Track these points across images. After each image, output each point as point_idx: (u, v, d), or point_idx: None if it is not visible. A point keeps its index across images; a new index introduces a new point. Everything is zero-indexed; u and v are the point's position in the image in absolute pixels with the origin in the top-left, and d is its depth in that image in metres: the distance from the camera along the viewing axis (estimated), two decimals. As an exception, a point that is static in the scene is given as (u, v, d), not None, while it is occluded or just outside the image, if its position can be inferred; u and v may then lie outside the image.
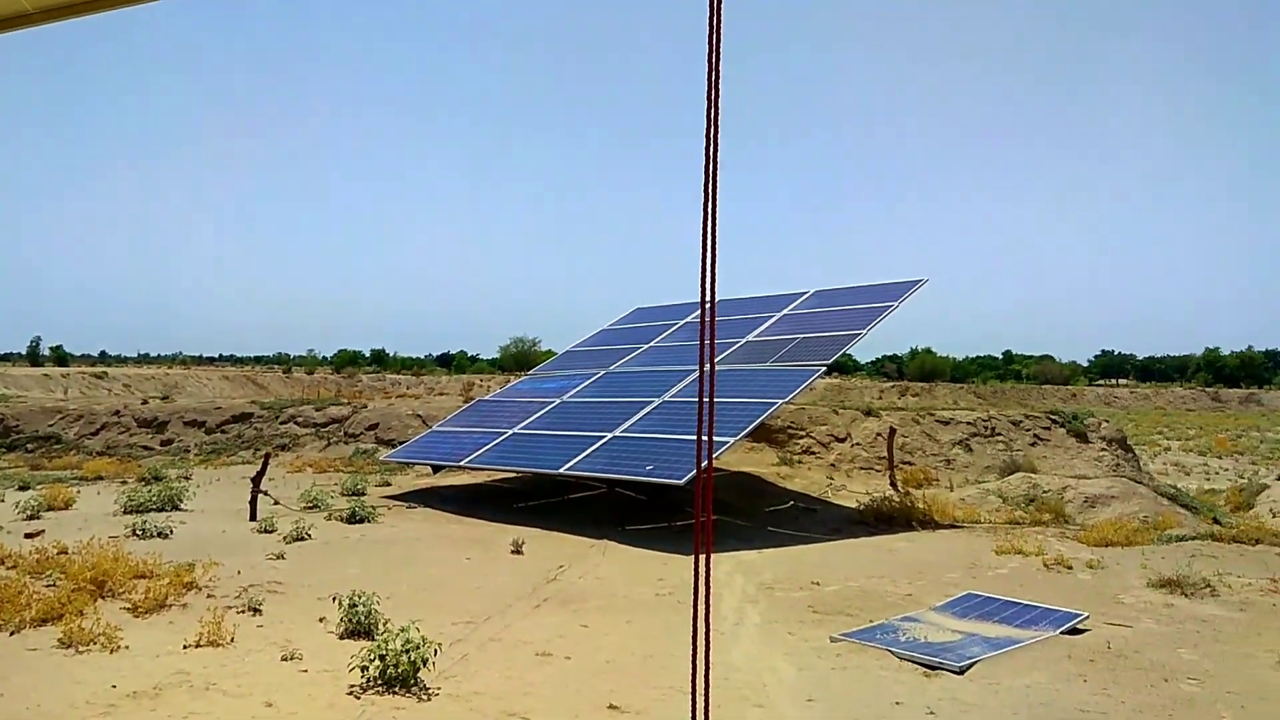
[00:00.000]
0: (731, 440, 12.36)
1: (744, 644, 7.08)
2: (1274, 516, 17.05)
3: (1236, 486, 20.65)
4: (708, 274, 2.22)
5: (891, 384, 60.14)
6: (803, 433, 19.93)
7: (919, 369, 79.34)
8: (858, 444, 19.62)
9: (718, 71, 2.11)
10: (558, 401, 16.24)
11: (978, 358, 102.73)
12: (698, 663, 1.98)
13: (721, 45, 2.15)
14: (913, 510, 13.54)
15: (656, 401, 14.44)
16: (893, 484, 17.07)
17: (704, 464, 2.34)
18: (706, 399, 2.29)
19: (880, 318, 15.47)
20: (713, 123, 2.12)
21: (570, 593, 8.71)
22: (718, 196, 2.24)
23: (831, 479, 17.84)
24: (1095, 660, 6.70)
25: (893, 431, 18.67)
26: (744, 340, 16.91)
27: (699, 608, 2.02)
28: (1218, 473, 25.79)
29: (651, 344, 18.46)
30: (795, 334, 16.29)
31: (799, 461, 19.11)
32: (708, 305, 2.30)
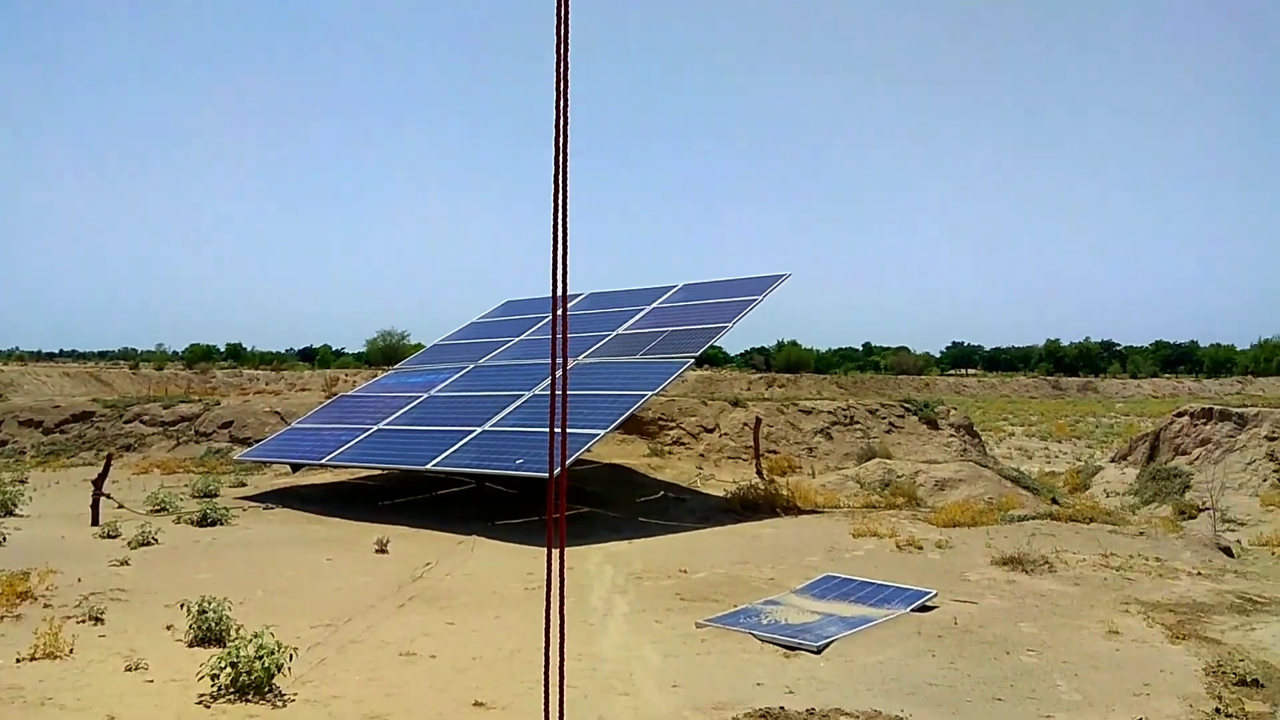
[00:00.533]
0: (602, 432, 12.41)
1: (612, 634, 7.13)
2: (1107, 496, 18.40)
3: (1074, 469, 22.17)
4: (559, 271, 2.22)
5: (759, 375, 61.65)
6: (673, 424, 20.20)
7: (785, 361, 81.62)
8: (726, 434, 20.03)
9: (566, 63, 2.11)
10: (425, 396, 15.93)
11: (840, 349, 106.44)
12: (551, 658, 1.97)
13: (569, 43, 2.15)
14: (777, 497, 13.93)
15: (527, 395, 14.35)
16: (759, 472, 17.50)
17: (561, 459, 2.35)
18: (559, 392, 2.30)
19: (746, 310, 15.83)
20: (562, 114, 2.12)
21: (437, 590, 8.57)
22: (568, 193, 2.24)
23: (701, 469, 18.17)
24: (943, 636, 7.06)
25: (758, 422, 19.15)
26: (614, 333, 16.99)
27: (551, 604, 2.02)
28: (1057, 456, 27.60)
29: (521, 337, 18.34)
30: (664, 327, 16.49)
31: (669, 452, 19.36)
32: (560, 303, 2.30)
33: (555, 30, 2.09)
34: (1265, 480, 18.06)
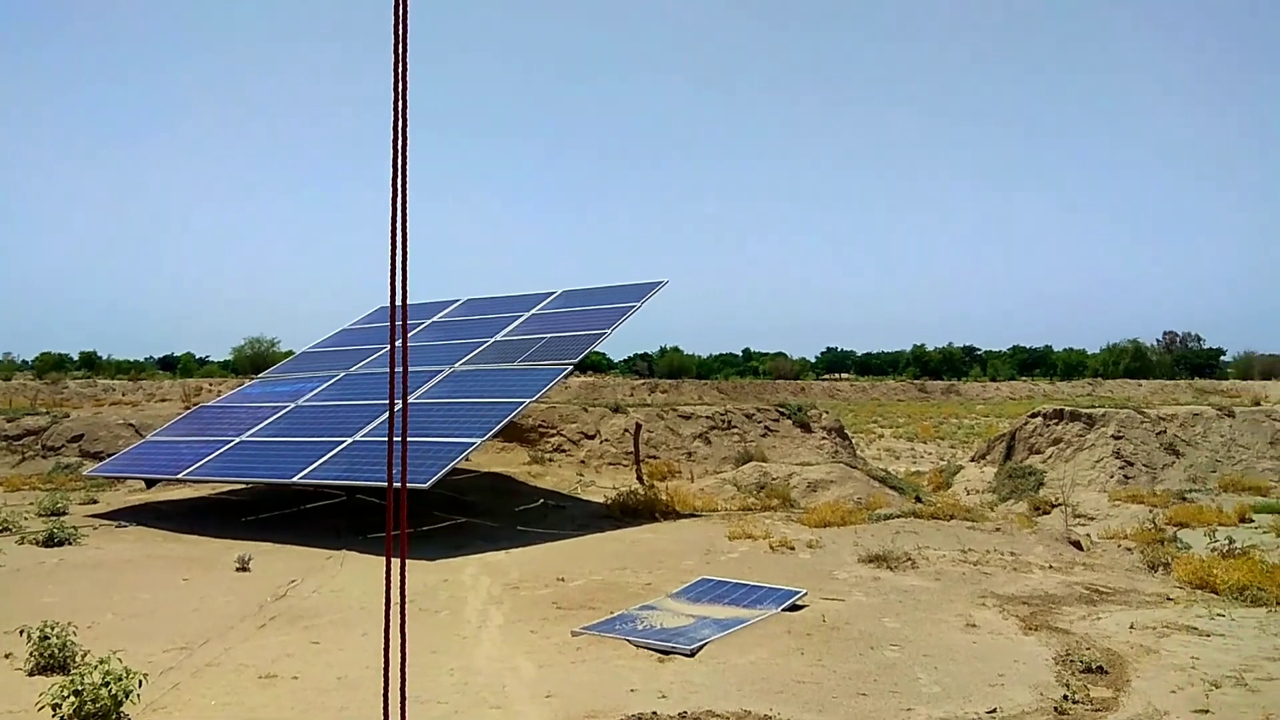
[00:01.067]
0: (478, 441, 12.23)
1: (486, 646, 7.02)
2: (968, 494, 19.28)
3: (937, 468, 23.16)
4: (399, 276, 2.16)
5: (642, 381, 62.03)
6: (554, 431, 20.10)
7: (667, 366, 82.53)
8: (606, 440, 20.06)
9: (405, 60, 2.06)
10: (292, 406, 15.35)
11: (721, 355, 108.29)
12: (391, 677, 1.90)
13: (408, 43, 2.10)
14: (656, 502, 14.03)
15: (400, 404, 14.01)
16: (639, 478, 17.61)
17: (402, 476, 2.29)
18: (399, 402, 2.24)
19: (624, 317, 15.90)
20: (401, 114, 2.07)
21: (302, 609, 8.25)
22: (408, 200, 2.19)
23: (581, 475, 18.14)
24: (812, 634, 7.23)
25: (638, 427, 19.27)
26: (492, 340, 16.80)
27: (390, 621, 1.95)
28: (922, 456, 28.74)
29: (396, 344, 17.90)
30: (543, 333, 16.40)
31: (550, 459, 19.26)
32: (399, 307, 2.24)
33: (393, 29, 2.04)
34: (1112, 477, 19.31)
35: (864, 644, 6.96)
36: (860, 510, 13.29)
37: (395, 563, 2.56)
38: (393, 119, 1.94)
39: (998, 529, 12.07)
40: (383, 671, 2.40)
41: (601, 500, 14.90)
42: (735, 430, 20.78)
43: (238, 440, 14.18)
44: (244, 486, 15.81)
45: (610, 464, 19.27)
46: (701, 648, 6.82)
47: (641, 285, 17.16)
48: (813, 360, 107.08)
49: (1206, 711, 5.45)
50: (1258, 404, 24.81)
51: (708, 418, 21.15)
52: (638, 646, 6.88)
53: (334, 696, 5.82)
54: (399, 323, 2.28)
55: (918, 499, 15.48)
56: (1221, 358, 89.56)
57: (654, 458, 19.27)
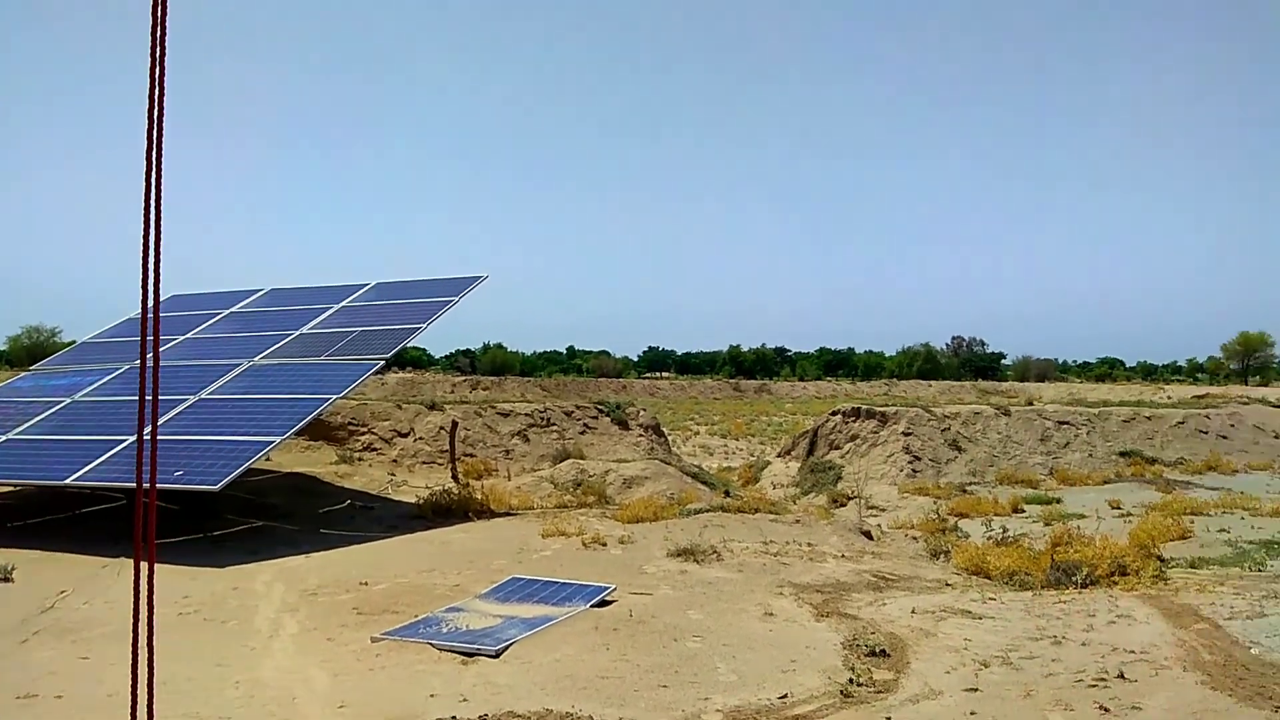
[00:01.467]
0: (278, 439, 11.63)
1: (276, 657, 6.67)
2: (774, 488, 20.10)
3: (747, 464, 24.04)
4: (150, 265, 2.00)
5: (464, 378, 61.08)
6: (364, 429, 19.41)
7: (490, 363, 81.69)
8: (421, 439, 19.56)
9: (163, 26, 1.91)
10: (68, 401, 14.06)
11: (545, 352, 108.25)
12: (138, 694, 1.75)
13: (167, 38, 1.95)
14: (470, 501, 13.78)
15: (192, 399, 13.12)
16: (454, 477, 17.27)
17: (151, 472, 2.13)
18: (150, 397, 2.08)
19: (441, 312, 15.54)
20: (156, 100, 1.91)
21: (71, 621, 7.57)
22: (161, 187, 2.03)
23: (393, 475, 17.59)
24: (619, 629, 7.29)
25: (454, 425, 18.90)
26: (298, 332, 16.01)
27: (138, 633, 1.79)
28: (734, 453, 29.74)
29: (188, 335, 16.74)
30: (354, 327, 15.79)
31: (360, 459, 18.57)
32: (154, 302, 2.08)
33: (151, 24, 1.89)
34: (901, 471, 20.64)
35: (668, 637, 7.09)
36: (672, 505, 13.56)
37: (146, 570, 2.38)
38: (148, 102, 1.79)
39: (797, 521, 12.62)
40: (131, 689, 2.24)
41: (413, 500, 14.50)
42: (554, 428, 20.77)
43: (4, 439, 12.86)
44: (11, 489, 14.37)
45: (424, 463, 18.81)
46: (507, 648, 6.74)
47: (459, 279, 16.83)
48: (635, 359, 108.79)
49: (976, 690, 5.86)
50: (1031, 404, 27.20)
51: (527, 415, 21.03)
52: (441, 650, 6.73)
53: (100, 715, 5.36)
54: (150, 307, 2.11)
55: (727, 494, 16.00)
56: (1002, 361, 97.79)
57: (471, 456, 18.97)
